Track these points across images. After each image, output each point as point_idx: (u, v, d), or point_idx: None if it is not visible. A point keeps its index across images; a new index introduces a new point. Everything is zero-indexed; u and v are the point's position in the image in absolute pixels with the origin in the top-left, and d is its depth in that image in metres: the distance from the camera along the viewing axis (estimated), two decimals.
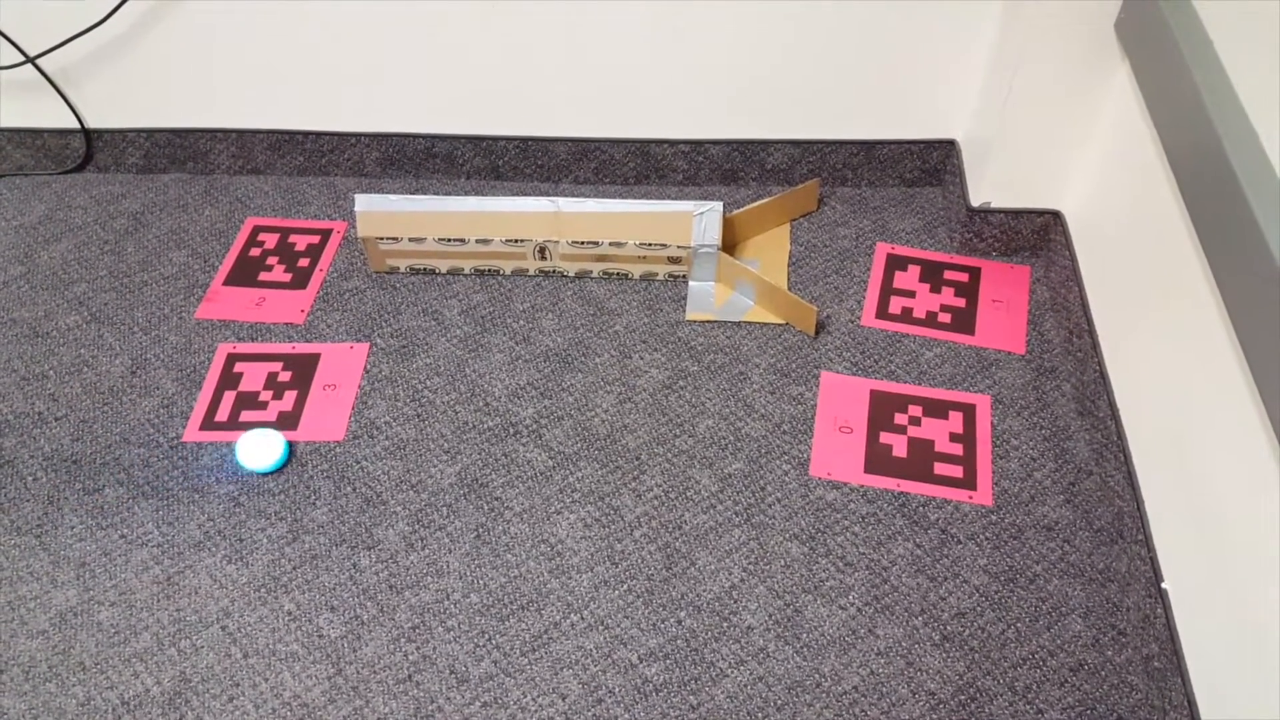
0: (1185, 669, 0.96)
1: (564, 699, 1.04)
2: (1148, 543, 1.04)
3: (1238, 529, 0.89)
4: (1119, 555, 1.10)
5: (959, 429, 1.22)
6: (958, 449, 1.20)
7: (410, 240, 1.38)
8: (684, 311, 1.37)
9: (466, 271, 1.43)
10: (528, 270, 1.41)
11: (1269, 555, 0.84)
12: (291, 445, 1.22)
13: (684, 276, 1.39)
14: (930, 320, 1.33)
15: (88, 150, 1.58)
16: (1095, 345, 1.22)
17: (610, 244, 1.35)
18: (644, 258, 1.37)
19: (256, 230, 1.51)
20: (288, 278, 1.44)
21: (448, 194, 1.53)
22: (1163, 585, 1.01)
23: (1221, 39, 0.90)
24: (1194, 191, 0.92)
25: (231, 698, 1.06)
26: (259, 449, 1.21)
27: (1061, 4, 1.12)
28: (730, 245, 1.42)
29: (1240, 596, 0.88)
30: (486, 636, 1.09)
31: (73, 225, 1.53)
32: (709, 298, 1.37)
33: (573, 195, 1.52)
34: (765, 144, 1.47)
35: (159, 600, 1.13)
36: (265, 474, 1.21)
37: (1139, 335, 1.11)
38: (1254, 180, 0.81)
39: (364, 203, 1.37)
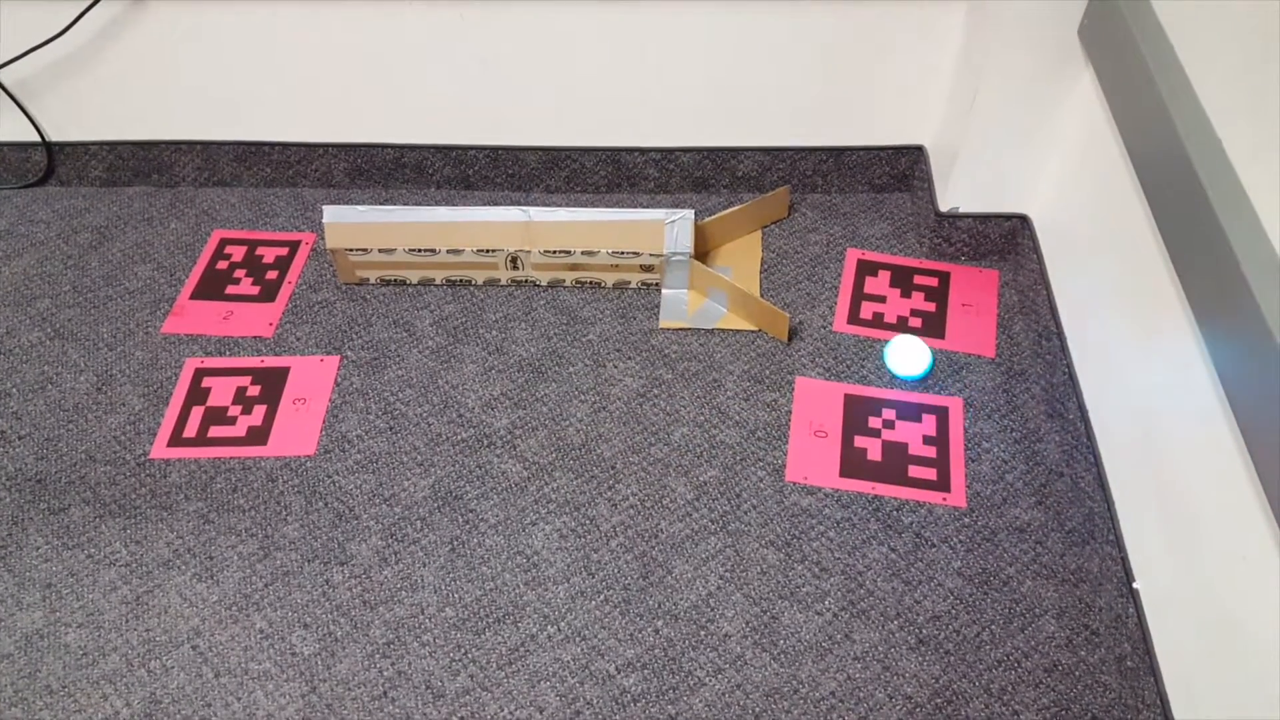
0: (1158, 668, 0.97)
1: (541, 712, 1.03)
2: (1119, 543, 1.06)
3: (1207, 527, 0.90)
4: (1090, 556, 1.11)
5: (932, 432, 1.23)
6: (931, 451, 1.21)
7: (380, 251, 1.37)
8: (657, 319, 1.37)
9: (438, 282, 1.42)
10: (500, 280, 1.41)
11: (1238, 552, 0.85)
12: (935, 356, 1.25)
13: (657, 285, 1.39)
14: (901, 325, 1.34)
15: (49, 163, 1.55)
16: (1064, 347, 1.23)
17: (582, 253, 1.35)
18: (616, 266, 1.37)
19: (223, 243, 1.49)
20: (255, 290, 1.42)
21: (417, 204, 1.53)
22: (1134, 585, 1.02)
23: (1182, 44, 0.91)
24: (1158, 194, 0.93)
25: (204, 719, 1.04)
26: (909, 356, 1.25)
27: (1025, 11, 1.13)
28: (702, 253, 1.42)
29: (1211, 594, 0.89)
30: (462, 650, 1.08)
31: (34, 240, 1.51)
32: (682, 305, 1.38)
33: (544, 204, 1.52)
34: (735, 151, 1.47)
35: (128, 621, 1.11)
36: (913, 380, 1.25)
37: (1107, 337, 1.13)
38: (1215, 182, 0.83)
39: (332, 214, 1.36)
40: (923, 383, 1.23)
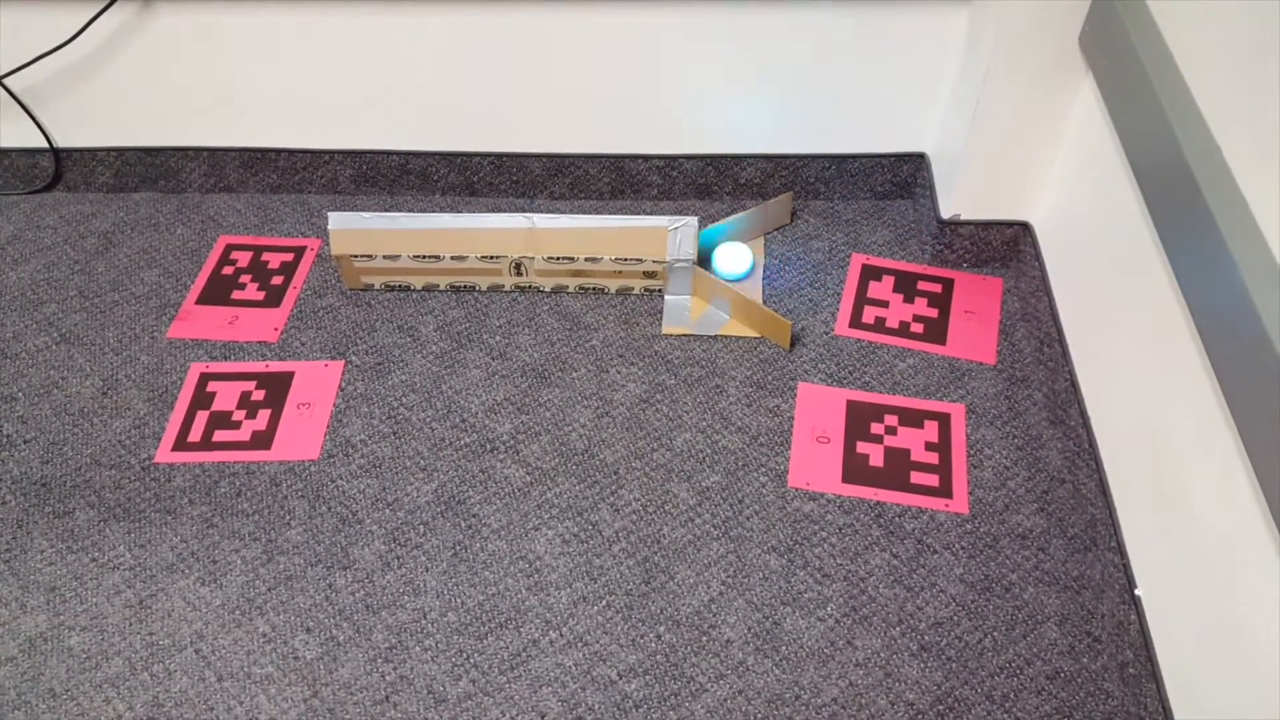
0: (1160, 675, 0.97)
1: (543, 717, 1.03)
2: (1120, 549, 1.06)
3: (1209, 534, 0.90)
4: (1092, 563, 1.11)
5: (934, 438, 1.23)
6: (933, 458, 1.21)
7: (385, 257, 1.37)
8: (660, 326, 1.37)
9: (442, 288, 1.42)
10: (503, 286, 1.41)
11: (1240, 560, 0.85)
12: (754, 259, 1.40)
13: (660, 291, 1.40)
14: (903, 330, 1.34)
15: (57, 169, 1.56)
16: (1066, 354, 1.23)
17: (586, 259, 1.36)
18: (620, 272, 1.37)
19: (229, 248, 1.50)
20: (261, 296, 1.43)
21: (422, 211, 1.53)
22: (1136, 592, 1.02)
23: (1181, 52, 0.92)
24: (1158, 202, 0.93)
25: None
26: (731, 258, 1.38)
27: (1026, 19, 1.13)
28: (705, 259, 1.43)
29: (1213, 601, 0.89)
30: (464, 655, 1.08)
31: (42, 245, 1.52)
32: (685, 312, 1.38)
33: (548, 211, 1.52)
34: (738, 159, 1.48)
35: (131, 624, 1.12)
36: (736, 280, 1.39)
37: (1108, 344, 1.13)
38: (1214, 189, 0.83)
39: (338, 220, 1.37)
40: (748, 279, 1.40)
